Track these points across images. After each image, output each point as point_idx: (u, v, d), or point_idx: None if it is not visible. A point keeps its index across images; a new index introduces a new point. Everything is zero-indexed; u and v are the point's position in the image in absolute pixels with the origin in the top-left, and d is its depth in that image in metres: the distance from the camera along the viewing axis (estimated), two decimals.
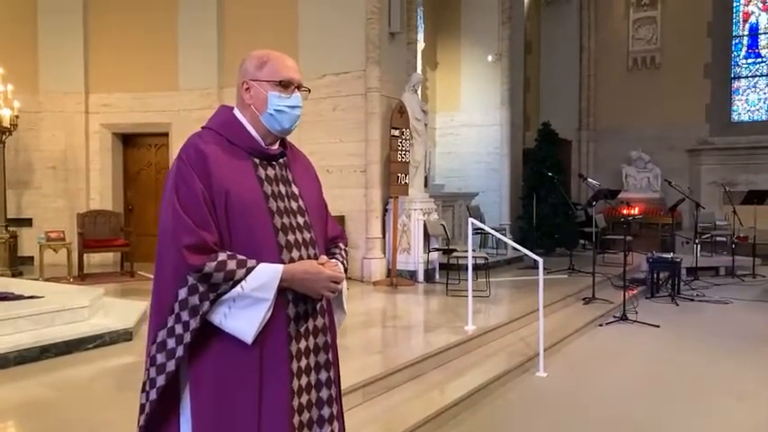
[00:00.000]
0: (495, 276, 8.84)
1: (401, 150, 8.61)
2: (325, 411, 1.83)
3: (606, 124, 15.86)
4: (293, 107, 1.83)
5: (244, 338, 1.67)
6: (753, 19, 15.24)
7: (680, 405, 4.63)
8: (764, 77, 15.11)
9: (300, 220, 1.83)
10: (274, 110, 1.81)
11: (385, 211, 8.74)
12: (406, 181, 8.66)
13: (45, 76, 10.05)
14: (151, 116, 10.07)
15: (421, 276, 8.52)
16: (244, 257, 1.68)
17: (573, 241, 11.64)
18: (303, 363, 1.78)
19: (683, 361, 5.82)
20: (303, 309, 1.79)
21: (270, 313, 1.69)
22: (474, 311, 5.86)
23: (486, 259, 8.24)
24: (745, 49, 15.33)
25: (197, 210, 1.67)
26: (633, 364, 5.71)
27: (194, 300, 1.64)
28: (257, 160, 1.82)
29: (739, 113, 15.33)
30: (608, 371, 5.50)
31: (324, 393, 1.83)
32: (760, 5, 15.15)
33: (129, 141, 10.60)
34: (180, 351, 1.66)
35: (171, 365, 1.66)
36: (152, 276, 1.78)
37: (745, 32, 15.29)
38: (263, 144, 1.84)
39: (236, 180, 1.74)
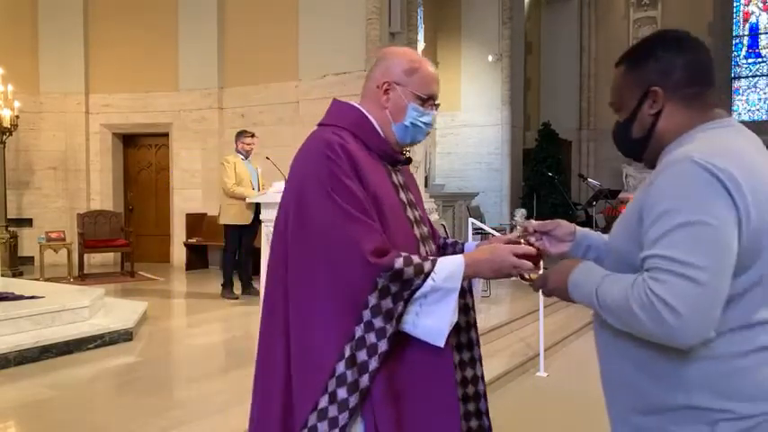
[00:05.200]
0: None
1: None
2: (476, 406, 1.79)
3: (606, 124, 15.80)
4: (427, 124, 1.73)
5: (436, 340, 1.50)
6: (753, 19, 15.23)
7: None
8: (765, 77, 15.11)
9: (424, 229, 1.73)
10: (410, 122, 1.69)
11: None
12: None
13: (45, 77, 10.06)
14: (151, 116, 10.08)
15: None
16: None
17: None
18: (456, 358, 1.73)
19: None
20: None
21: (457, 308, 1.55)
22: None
23: None
24: (745, 49, 15.33)
25: (364, 211, 1.51)
26: None
27: (387, 303, 1.47)
28: (389, 166, 1.70)
29: (740, 113, 15.33)
30: None
31: (478, 388, 1.80)
32: (760, 5, 15.14)
33: (129, 142, 10.60)
34: (374, 363, 1.47)
35: (365, 381, 1.47)
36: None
37: (746, 32, 15.28)
38: (394, 150, 1.72)
39: (380, 185, 1.60)
